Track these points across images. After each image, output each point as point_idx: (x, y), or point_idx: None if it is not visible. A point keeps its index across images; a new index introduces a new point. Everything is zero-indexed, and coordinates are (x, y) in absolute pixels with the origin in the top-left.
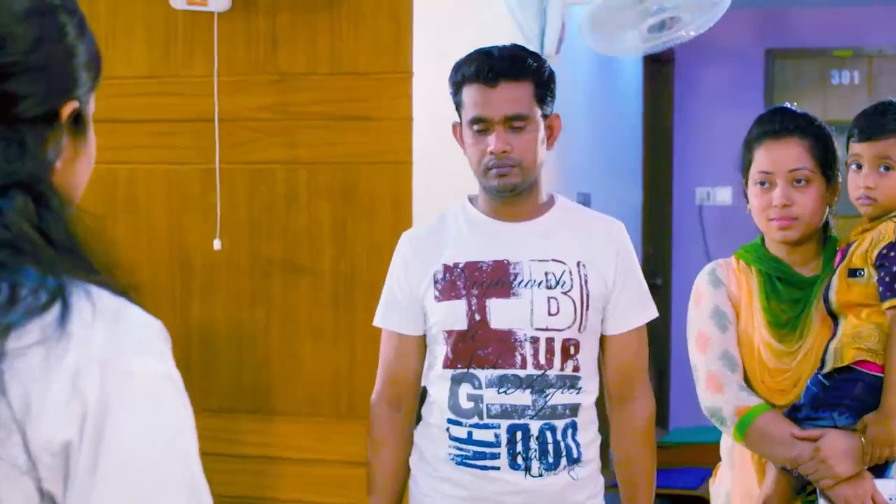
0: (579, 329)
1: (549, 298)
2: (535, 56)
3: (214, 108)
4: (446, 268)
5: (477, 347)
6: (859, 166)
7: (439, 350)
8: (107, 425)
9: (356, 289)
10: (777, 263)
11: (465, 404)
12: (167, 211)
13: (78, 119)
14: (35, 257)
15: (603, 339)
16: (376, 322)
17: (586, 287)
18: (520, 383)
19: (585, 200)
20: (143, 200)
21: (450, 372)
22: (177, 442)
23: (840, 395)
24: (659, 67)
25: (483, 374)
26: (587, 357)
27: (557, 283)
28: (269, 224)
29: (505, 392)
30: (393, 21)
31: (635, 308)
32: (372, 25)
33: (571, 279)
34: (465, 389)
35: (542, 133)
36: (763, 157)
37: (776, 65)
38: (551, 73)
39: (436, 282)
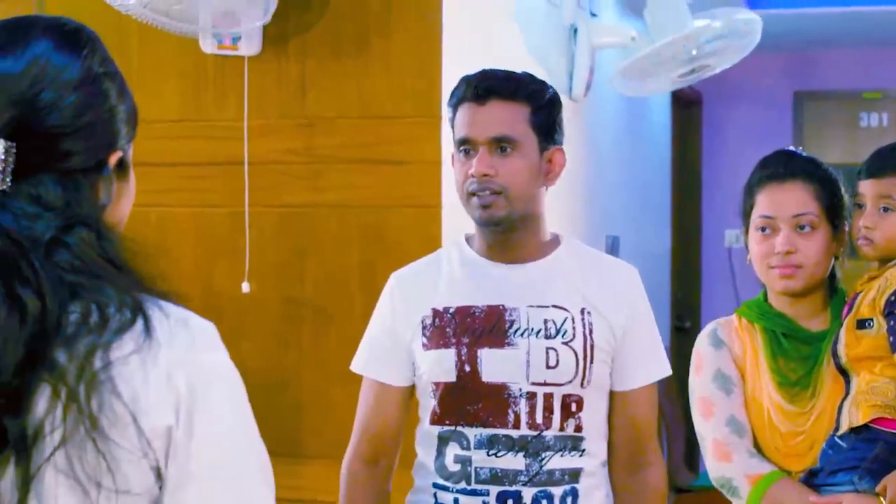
0: (582, 384)
1: (547, 349)
2: (538, 81)
3: (244, 151)
4: (435, 312)
5: (466, 402)
6: (861, 206)
7: (427, 404)
8: (195, 410)
9: None
10: (782, 319)
11: (452, 467)
12: (196, 254)
13: (121, 164)
14: (108, 280)
15: (610, 396)
16: (355, 367)
17: (591, 337)
18: (512, 445)
19: (614, 243)
20: (173, 243)
21: (437, 429)
22: (248, 417)
23: (859, 457)
24: (687, 109)
25: (472, 433)
26: (592, 415)
27: (558, 332)
28: (298, 267)
29: (495, 454)
30: (422, 65)
31: (647, 362)
32: (401, 69)
33: (574, 328)
34: (452, 450)
35: (535, 163)
36: (765, 202)
37: (805, 107)
38: (553, 101)
39: (424, 328)
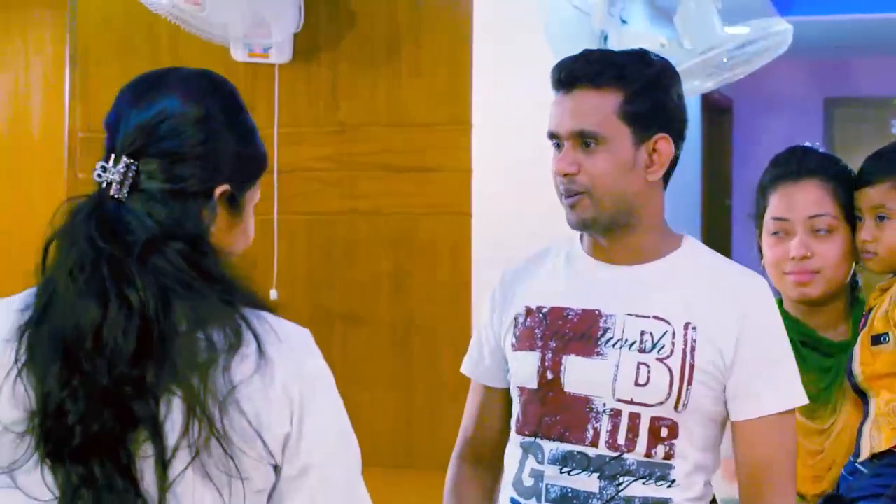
0: (676, 407)
1: (639, 364)
2: (638, 61)
3: (274, 158)
4: (528, 311)
5: (545, 412)
6: (860, 219)
7: (514, 410)
8: (305, 414)
9: (415, 339)
10: (800, 327)
11: (528, 481)
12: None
13: (232, 198)
14: (198, 288)
15: (732, 428)
16: (462, 368)
17: (691, 356)
18: (587, 464)
19: None
20: None
21: (519, 439)
22: (341, 407)
23: (882, 484)
24: (718, 116)
25: (548, 447)
26: (689, 444)
27: (654, 346)
28: (327, 274)
29: (568, 472)
30: (452, 72)
31: (765, 390)
32: (431, 77)
33: (673, 343)
34: (530, 463)
35: (628, 157)
36: (778, 203)
37: (835, 114)
38: (656, 84)
39: (515, 326)
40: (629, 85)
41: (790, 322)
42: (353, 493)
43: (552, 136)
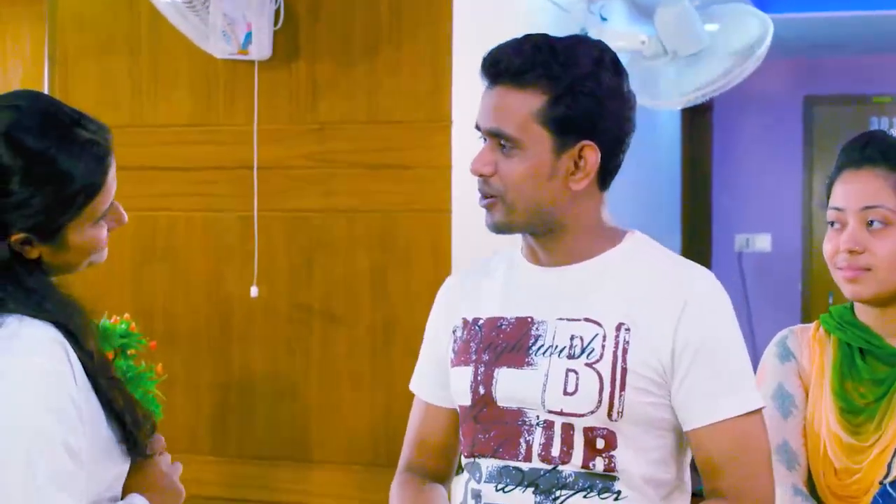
0: (610, 415)
1: (567, 371)
2: (575, 56)
3: (253, 156)
4: (465, 323)
5: (480, 430)
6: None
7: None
8: None
9: (394, 337)
10: (863, 332)
11: (469, 502)
12: (205, 258)
13: (45, 237)
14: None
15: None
16: (410, 384)
17: (623, 359)
18: (521, 479)
19: None
20: (182, 247)
21: (464, 460)
22: (23, 412)
23: None
24: (698, 115)
25: (484, 465)
26: (633, 455)
27: (583, 350)
28: (306, 272)
29: (503, 490)
30: (432, 70)
31: (717, 394)
32: (411, 75)
33: (604, 346)
34: (471, 484)
35: (545, 165)
36: (837, 192)
37: (815, 111)
38: (591, 84)
39: (454, 341)
40: (554, 87)
41: (853, 327)
42: (31, 496)
43: (476, 128)
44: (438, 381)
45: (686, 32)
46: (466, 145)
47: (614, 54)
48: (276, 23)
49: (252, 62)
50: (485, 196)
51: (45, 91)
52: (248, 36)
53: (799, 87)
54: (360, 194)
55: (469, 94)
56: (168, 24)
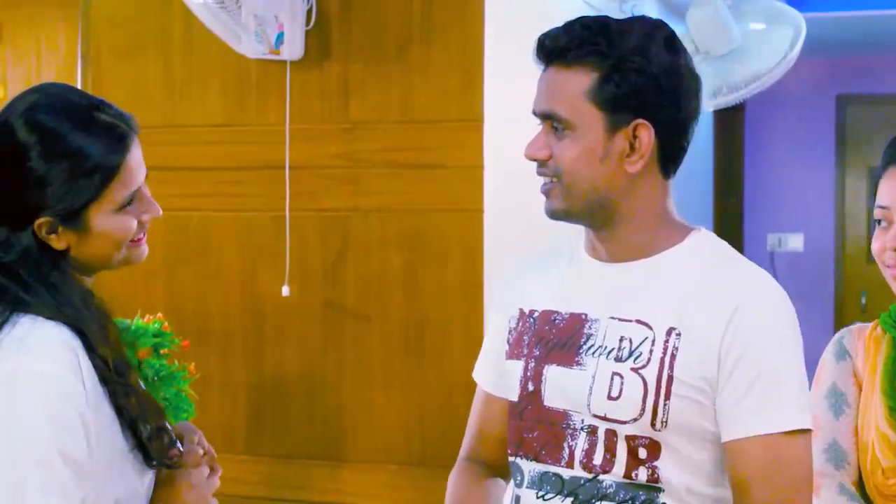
0: (654, 424)
1: (612, 374)
2: (627, 32)
3: (286, 155)
4: (521, 314)
5: (524, 428)
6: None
7: None
8: None
9: (426, 336)
10: None
11: None
12: (238, 257)
13: (69, 222)
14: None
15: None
16: (473, 372)
17: (670, 365)
18: (560, 487)
19: None
20: (214, 247)
21: (509, 459)
22: (21, 412)
23: None
24: (729, 114)
25: (526, 468)
26: (679, 467)
27: (630, 354)
28: (339, 271)
29: (543, 497)
30: (463, 70)
31: (762, 407)
32: (442, 74)
33: (651, 351)
34: (512, 486)
35: (599, 146)
36: (883, 189)
37: (848, 111)
38: (642, 60)
39: (510, 332)
40: (602, 64)
41: None
42: (16, 496)
43: (533, 113)
44: (497, 370)
45: (719, 32)
46: (498, 144)
47: (671, 31)
48: (307, 23)
49: (284, 62)
50: (544, 180)
51: None
52: (280, 36)
53: (831, 87)
54: (392, 193)
55: (501, 92)
56: (201, 25)
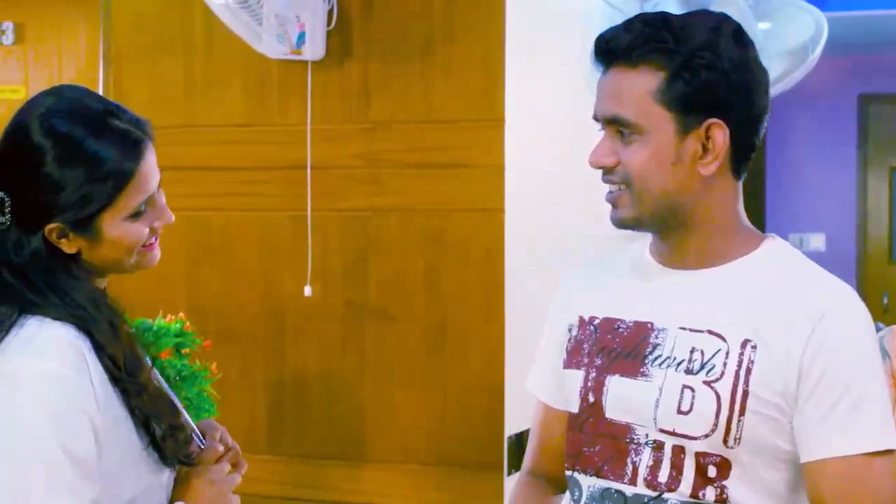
0: (726, 441)
1: (683, 387)
2: (693, 28)
3: (307, 156)
4: (581, 321)
5: (584, 442)
6: None
7: None
8: None
9: (447, 336)
10: None
11: None
12: (259, 257)
13: (79, 228)
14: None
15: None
16: (527, 383)
17: (745, 380)
18: None
19: None
20: (236, 247)
21: (566, 472)
22: (21, 412)
23: None
24: None
25: (585, 483)
26: (750, 487)
27: (702, 366)
28: (360, 271)
29: None
30: (485, 69)
31: (844, 425)
32: (464, 74)
33: (725, 364)
34: (568, 500)
35: (670, 149)
36: None
37: (870, 110)
38: (711, 56)
39: (568, 340)
40: (669, 61)
41: None
42: (21, 501)
43: (594, 119)
44: (555, 380)
45: None
46: (519, 144)
47: (737, 25)
48: (328, 23)
49: (305, 62)
50: (612, 189)
51: (100, 90)
52: (302, 36)
53: (853, 86)
54: (413, 193)
55: (522, 92)
56: (222, 25)
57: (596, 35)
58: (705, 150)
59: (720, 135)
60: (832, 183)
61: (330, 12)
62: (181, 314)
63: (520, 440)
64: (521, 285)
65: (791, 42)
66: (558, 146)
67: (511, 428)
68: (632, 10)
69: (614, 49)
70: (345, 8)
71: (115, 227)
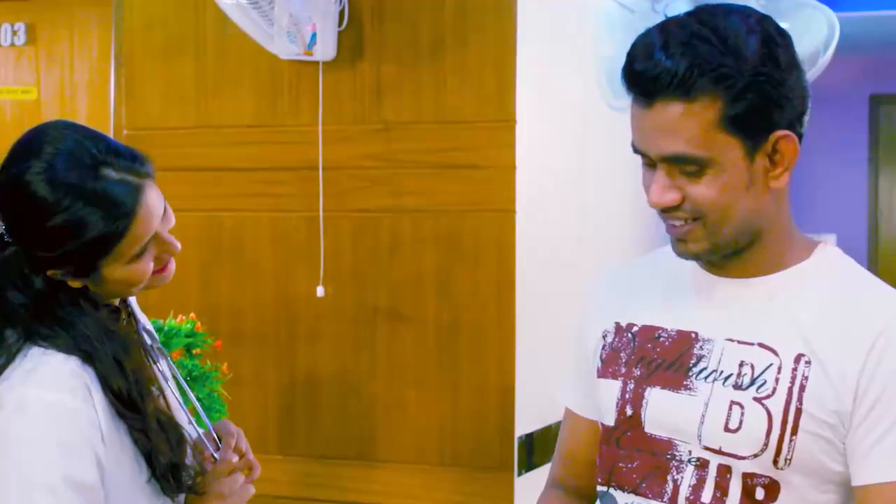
0: (776, 462)
1: (731, 403)
2: (739, 42)
3: (319, 156)
4: (618, 328)
5: (620, 456)
6: None
7: None
8: None
9: (460, 337)
10: None
11: None
12: (271, 258)
13: (77, 274)
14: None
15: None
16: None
17: (799, 397)
18: None
19: None
20: (248, 247)
21: (597, 487)
22: (18, 432)
23: None
24: None
25: (621, 500)
26: None
27: (752, 382)
28: (373, 272)
29: None
30: (497, 70)
31: (894, 448)
32: (476, 75)
33: (777, 380)
34: None
35: (743, 173)
36: None
37: (881, 110)
38: (767, 64)
39: (602, 346)
40: (730, 87)
41: None
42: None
43: (637, 151)
44: (585, 390)
45: None
46: (531, 144)
47: (773, 22)
48: (340, 23)
49: (316, 63)
50: (676, 226)
51: (112, 91)
52: (314, 37)
53: (865, 86)
54: (425, 194)
55: (534, 93)
56: (233, 26)
57: (604, 37)
58: (772, 162)
59: (790, 146)
60: (843, 183)
61: (341, 13)
62: (192, 314)
63: (530, 441)
64: (533, 286)
65: (805, 47)
66: (570, 147)
67: (521, 429)
68: (642, 10)
69: (663, 82)
70: (356, 8)
71: (117, 270)
